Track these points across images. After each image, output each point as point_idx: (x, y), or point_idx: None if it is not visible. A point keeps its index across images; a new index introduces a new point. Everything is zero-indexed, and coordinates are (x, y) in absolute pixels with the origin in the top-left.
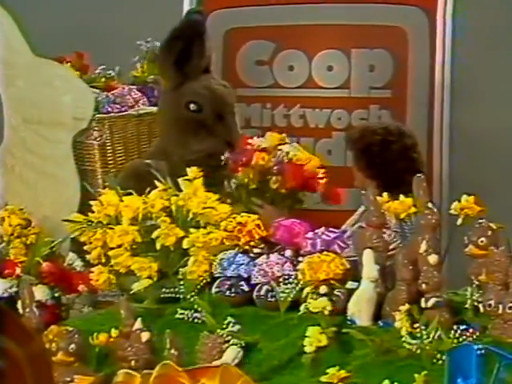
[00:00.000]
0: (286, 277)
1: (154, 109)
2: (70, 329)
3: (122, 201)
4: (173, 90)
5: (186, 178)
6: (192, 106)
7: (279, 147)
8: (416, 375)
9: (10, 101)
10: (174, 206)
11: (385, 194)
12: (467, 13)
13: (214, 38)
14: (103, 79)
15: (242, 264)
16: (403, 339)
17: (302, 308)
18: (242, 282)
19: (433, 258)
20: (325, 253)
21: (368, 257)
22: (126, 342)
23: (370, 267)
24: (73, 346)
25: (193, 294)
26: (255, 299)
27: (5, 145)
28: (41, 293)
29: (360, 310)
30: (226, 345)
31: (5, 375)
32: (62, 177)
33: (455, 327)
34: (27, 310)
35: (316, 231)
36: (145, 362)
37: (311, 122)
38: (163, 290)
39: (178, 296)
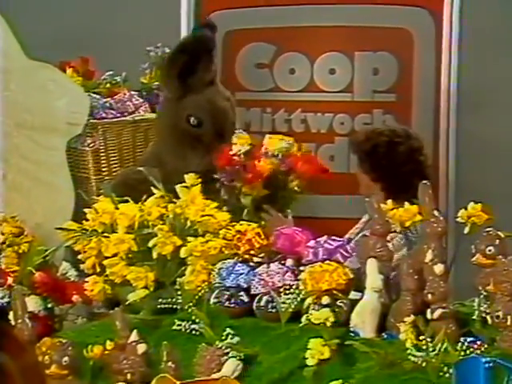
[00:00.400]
0: (287, 287)
1: (151, 115)
2: (64, 341)
3: (118, 208)
4: (175, 101)
5: (183, 185)
6: (192, 121)
7: (265, 144)
8: None
9: (2, 105)
10: (172, 213)
11: (389, 201)
12: (474, 14)
13: None
14: (108, 85)
15: (242, 274)
16: (408, 352)
17: (303, 319)
18: (242, 293)
19: (439, 268)
20: (327, 262)
21: (372, 266)
22: (122, 355)
23: (373, 277)
24: (66, 358)
25: (190, 304)
26: (255, 310)
27: None
28: (33, 303)
29: (363, 321)
30: (225, 357)
31: None
32: (56, 184)
33: (462, 339)
34: (19, 321)
35: (318, 240)
36: (141, 375)
37: (313, 127)
38: (160, 300)
39: (175, 307)
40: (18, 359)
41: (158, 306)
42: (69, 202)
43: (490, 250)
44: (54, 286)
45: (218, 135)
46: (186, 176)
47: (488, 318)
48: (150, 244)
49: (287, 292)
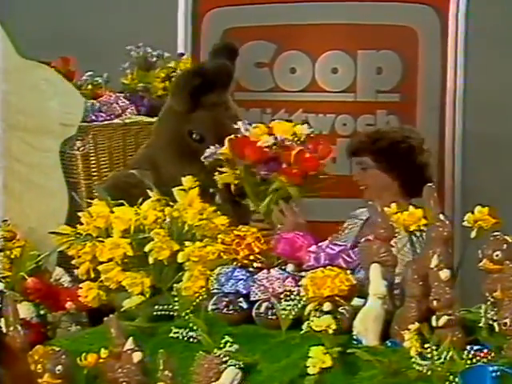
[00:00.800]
0: (288, 293)
1: (142, 118)
2: (57, 349)
3: (113, 212)
4: (181, 113)
5: (181, 188)
6: (194, 136)
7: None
8: None
9: None
10: (169, 217)
11: (393, 205)
12: (481, 11)
13: (211, 39)
14: (90, 86)
15: (241, 279)
16: (413, 360)
17: (304, 326)
18: (241, 299)
19: (444, 274)
20: (329, 267)
21: (375, 272)
22: (117, 363)
23: (377, 283)
24: (60, 367)
25: (188, 311)
26: (254, 317)
27: None
28: (26, 310)
29: (366, 328)
30: (224, 366)
31: None
32: (50, 187)
33: (468, 347)
34: (11, 328)
35: (320, 244)
36: None
37: (314, 128)
38: (156, 307)
39: (172, 314)
40: (10, 368)
41: (155, 313)
42: (62, 206)
43: (497, 255)
44: (47, 292)
45: None
46: (183, 179)
47: (495, 325)
48: (147, 249)
49: (288, 298)
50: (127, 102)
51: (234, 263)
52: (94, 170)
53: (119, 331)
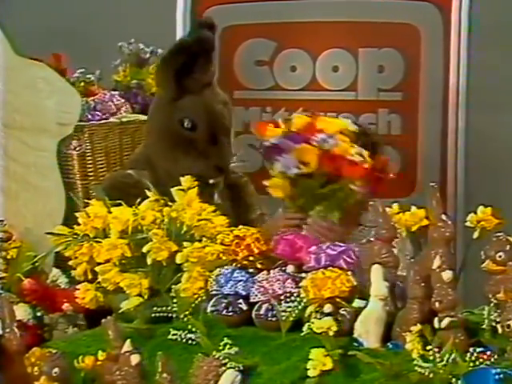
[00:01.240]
0: (288, 294)
1: (139, 116)
2: (54, 351)
3: (111, 212)
4: (169, 102)
5: (179, 187)
6: (186, 124)
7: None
8: None
9: None
10: (167, 217)
11: (395, 205)
12: (484, 9)
13: None
14: (82, 84)
15: (240, 281)
16: (415, 362)
17: (304, 328)
18: (240, 300)
19: (447, 275)
20: (330, 269)
21: (376, 273)
22: (114, 366)
23: (378, 284)
24: (56, 369)
25: (187, 313)
26: (254, 319)
27: None
28: (22, 312)
29: (368, 330)
30: (223, 368)
31: None
32: (46, 187)
33: (471, 349)
34: (7, 330)
35: (320, 245)
36: None
37: None
38: (154, 308)
39: (170, 315)
40: (6, 370)
41: (153, 315)
42: (59, 206)
43: (500, 256)
44: (44, 294)
45: (212, 140)
46: (182, 178)
47: (498, 327)
48: (145, 249)
49: (288, 300)
50: (122, 100)
51: (234, 264)
52: (90, 170)
53: (117, 333)
